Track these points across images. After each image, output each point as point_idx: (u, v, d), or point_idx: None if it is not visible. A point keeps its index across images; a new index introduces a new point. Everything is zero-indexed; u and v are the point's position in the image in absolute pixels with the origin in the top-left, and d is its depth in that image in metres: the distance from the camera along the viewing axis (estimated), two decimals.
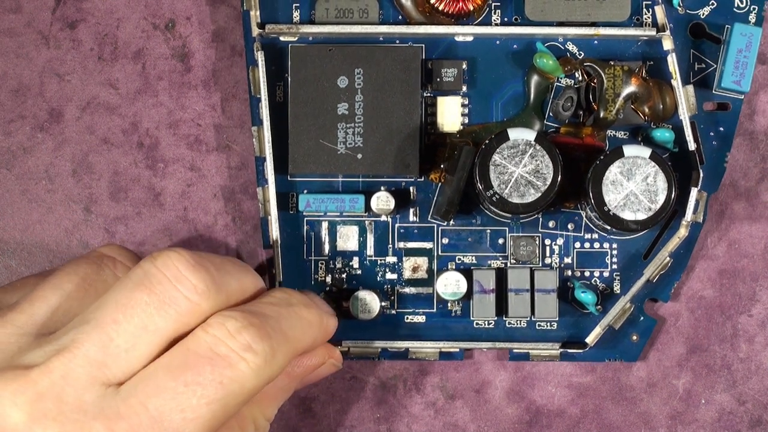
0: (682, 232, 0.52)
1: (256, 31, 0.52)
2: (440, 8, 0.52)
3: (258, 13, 0.52)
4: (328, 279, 0.53)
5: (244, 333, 0.45)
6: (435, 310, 0.53)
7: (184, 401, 0.43)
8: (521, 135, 0.50)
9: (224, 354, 0.44)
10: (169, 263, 0.45)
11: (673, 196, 0.50)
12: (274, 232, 0.52)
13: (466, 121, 0.53)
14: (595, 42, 0.53)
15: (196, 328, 0.45)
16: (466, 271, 0.53)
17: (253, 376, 0.44)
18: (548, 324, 0.53)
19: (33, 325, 0.46)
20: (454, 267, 0.53)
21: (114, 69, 0.54)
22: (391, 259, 0.53)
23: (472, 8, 0.52)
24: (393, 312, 0.53)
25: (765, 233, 0.55)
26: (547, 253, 0.53)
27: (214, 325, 0.45)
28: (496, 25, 0.53)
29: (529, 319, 0.53)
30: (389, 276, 0.53)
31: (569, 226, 0.53)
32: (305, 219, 0.53)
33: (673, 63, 0.52)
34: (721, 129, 0.53)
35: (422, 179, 0.53)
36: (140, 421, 0.43)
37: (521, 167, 0.50)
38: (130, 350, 0.44)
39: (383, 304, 0.53)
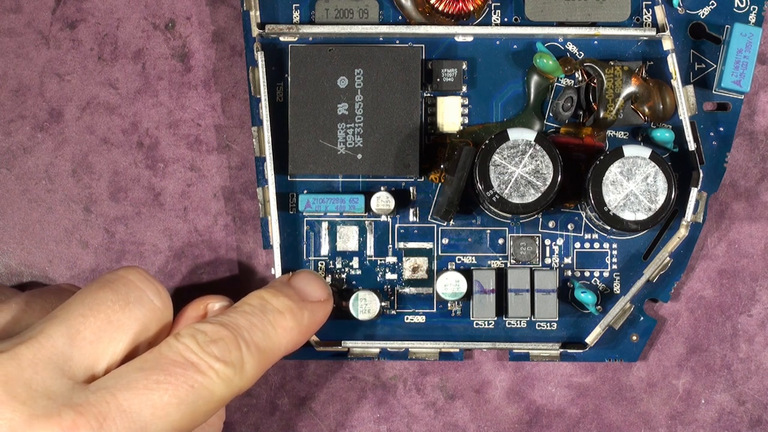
0: (682, 232, 0.52)
1: (256, 31, 0.52)
2: (440, 8, 0.52)
3: (258, 13, 0.52)
4: (329, 279, 0.53)
5: (212, 346, 0.45)
6: (435, 310, 0.53)
7: (155, 397, 0.44)
8: (521, 135, 0.50)
9: (195, 361, 0.45)
10: (132, 271, 0.47)
11: (673, 196, 0.50)
12: (274, 232, 0.52)
13: (466, 121, 0.53)
14: (595, 42, 0.53)
15: (168, 337, 0.46)
16: (466, 272, 0.53)
17: (223, 385, 0.45)
18: (548, 324, 0.53)
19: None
20: (454, 267, 0.53)
21: (114, 69, 0.54)
22: (391, 259, 0.53)
23: (472, 8, 0.52)
24: (393, 312, 0.53)
25: (765, 233, 0.54)
26: (547, 254, 0.53)
27: (185, 335, 0.46)
28: (496, 25, 0.53)
29: (529, 319, 0.53)
30: (389, 276, 0.53)
31: (569, 226, 0.53)
32: (305, 219, 0.53)
33: (673, 63, 0.52)
34: (721, 129, 0.53)
35: (422, 179, 0.53)
36: (109, 409, 0.43)
37: (521, 167, 0.50)
38: (95, 342, 0.45)
39: (383, 304, 0.53)
